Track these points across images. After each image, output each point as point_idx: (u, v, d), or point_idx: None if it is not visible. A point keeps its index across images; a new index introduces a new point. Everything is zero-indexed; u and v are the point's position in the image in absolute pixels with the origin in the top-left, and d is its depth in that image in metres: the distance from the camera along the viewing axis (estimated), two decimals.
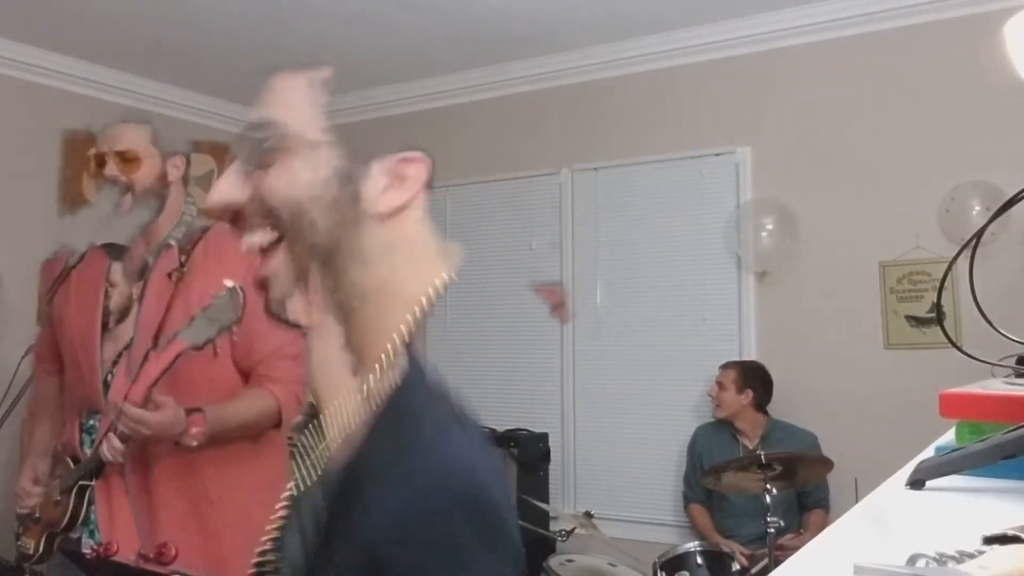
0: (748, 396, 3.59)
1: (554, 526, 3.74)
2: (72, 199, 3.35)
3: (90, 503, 2.28)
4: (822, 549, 0.66)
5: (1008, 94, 3.36)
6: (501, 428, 4.25)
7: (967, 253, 1.15)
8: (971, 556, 0.52)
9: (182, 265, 2.02)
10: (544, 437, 4.23)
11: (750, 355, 3.84)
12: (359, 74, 4.65)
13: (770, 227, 3.78)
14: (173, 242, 2.06)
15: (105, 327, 2.04)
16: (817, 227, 3.76)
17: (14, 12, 3.78)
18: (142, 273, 2.04)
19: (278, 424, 2.02)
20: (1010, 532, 0.55)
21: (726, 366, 3.68)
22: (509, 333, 4.48)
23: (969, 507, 0.78)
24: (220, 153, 3.28)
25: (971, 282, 1.16)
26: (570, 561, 3.51)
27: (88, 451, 2.19)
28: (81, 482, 2.29)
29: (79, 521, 2.26)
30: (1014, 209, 1.10)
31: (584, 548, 3.64)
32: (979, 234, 1.13)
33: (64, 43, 4.17)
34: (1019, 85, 3.18)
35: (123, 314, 2.04)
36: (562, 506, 4.09)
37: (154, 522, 1.96)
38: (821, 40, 3.80)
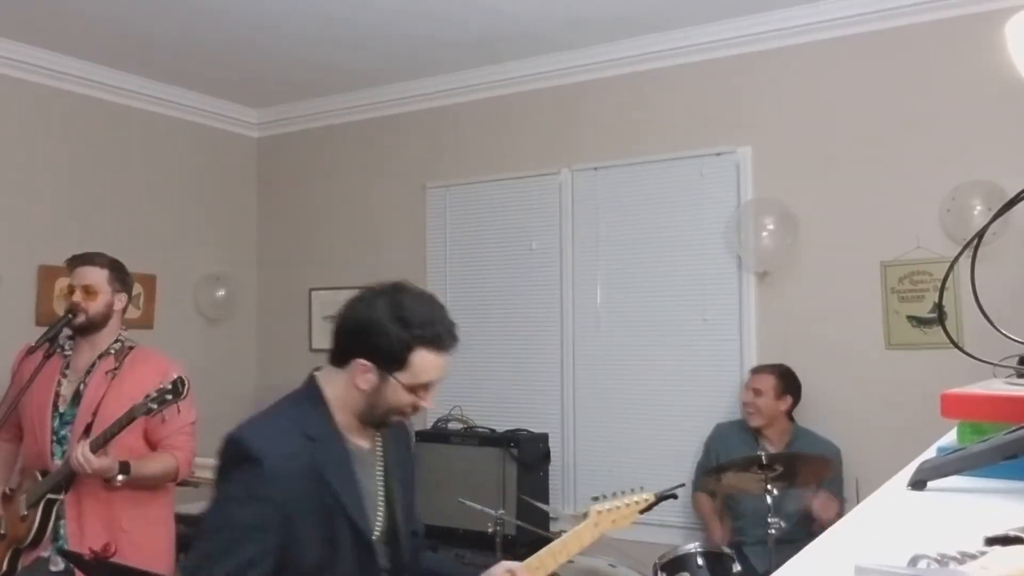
0: (787, 402, 3.54)
1: (554, 527, 3.74)
2: (46, 314, 4.10)
3: (59, 518, 2.73)
4: (824, 549, 0.65)
5: (1009, 93, 3.35)
6: (501, 428, 4.25)
7: (968, 253, 1.15)
8: (973, 557, 0.51)
9: (116, 368, 2.80)
10: (544, 437, 4.23)
11: (750, 355, 3.84)
12: (359, 74, 4.65)
13: (771, 227, 3.78)
14: (112, 352, 2.84)
15: (56, 407, 2.77)
16: (818, 227, 3.76)
17: (14, 12, 3.78)
18: (88, 371, 2.81)
19: (174, 479, 2.85)
20: (1012, 533, 0.55)
21: (760, 371, 3.61)
22: (509, 333, 4.48)
23: (971, 508, 0.78)
24: (148, 281, 4.66)
25: (972, 282, 1.16)
26: (570, 562, 3.50)
27: (59, 462, 2.69)
28: (49, 495, 2.70)
29: (45, 536, 2.69)
30: (1015, 209, 1.10)
31: (584, 549, 3.63)
32: (980, 234, 1.13)
33: (65, 43, 4.17)
34: (1020, 84, 3.17)
35: (73, 398, 2.77)
36: (562, 506, 4.09)
37: (82, 543, 2.66)
38: (821, 40, 3.80)
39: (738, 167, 3.95)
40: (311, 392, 1.74)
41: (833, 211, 3.74)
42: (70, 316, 2.83)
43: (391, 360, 1.67)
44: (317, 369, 1.79)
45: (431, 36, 4.10)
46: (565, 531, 3.41)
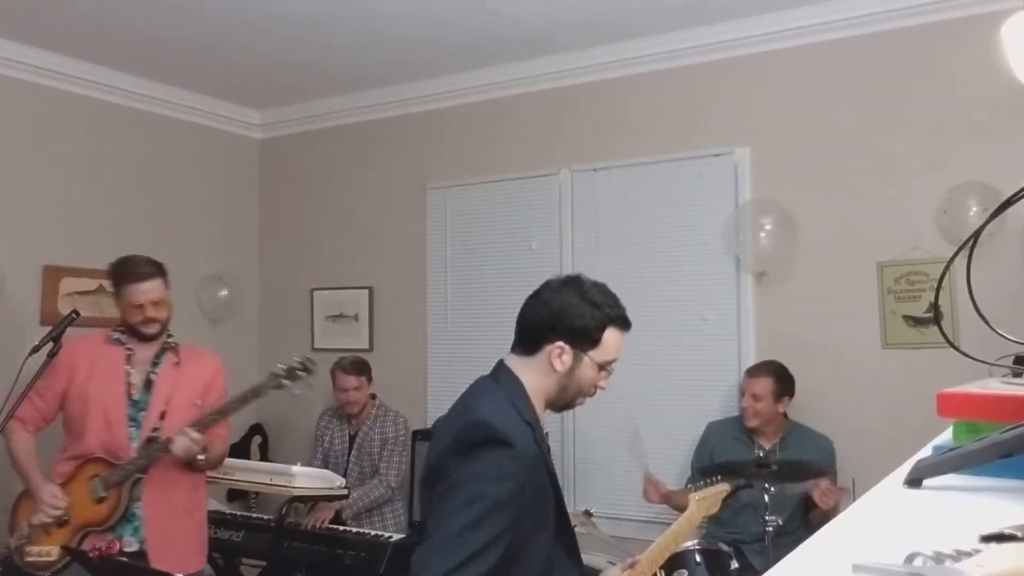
0: (784, 403, 3.52)
1: None
2: (50, 314, 4.14)
3: (134, 499, 2.86)
4: (820, 548, 0.66)
5: (1005, 95, 3.36)
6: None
7: (965, 253, 1.16)
8: (968, 555, 0.52)
9: (178, 362, 3.04)
10: (543, 436, 4.23)
11: (748, 355, 3.84)
12: (360, 76, 4.65)
13: (769, 227, 3.79)
14: (172, 346, 3.07)
15: (128, 395, 2.92)
16: (815, 227, 3.77)
17: (15, 13, 3.78)
18: (154, 362, 3.00)
19: (221, 463, 3.16)
20: (1007, 531, 0.56)
21: (756, 374, 3.56)
22: (509, 333, 4.46)
23: (966, 506, 0.78)
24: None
25: (968, 282, 1.17)
26: None
27: (135, 445, 2.87)
28: (137, 475, 2.83)
29: (124, 515, 2.81)
30: (1011, 210, 1.11)
31: (583, 547, 3.61)
32: (976, 234, 1.14)
33: (65, 44, 4.17)
34: (1016, 86, 3.19)
35: (143, 386, 2.96)
36: None
37: (154, 523, 2.89)
38: (820, 42, 3.81)
39: (736, 168, 3.96)
40: (511, 380, 1.86)
41: (830, 212, 3.76)
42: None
43: (586, 338, 1.84)
44: (503, 360, 1.92)
45: (431, 39, 4.11)
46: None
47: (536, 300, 1.91)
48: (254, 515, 4.12)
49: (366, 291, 4.99)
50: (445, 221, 4.72)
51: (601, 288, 1.93)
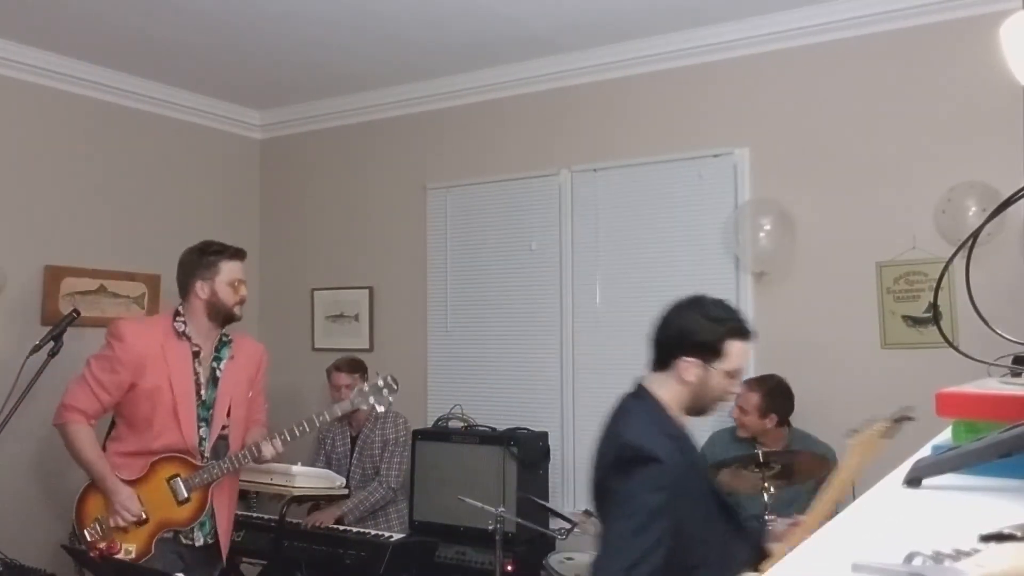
0: (772, 420, 3.50)
1: (554, 524, 3.76)
2: (51, 314, 4.10)
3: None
4: (820, 547, 0.66)
5: (1004, 96, 3.37)
6: (501, 427, 4.26)
7: (963, 253, 1.16)
8: (967, 554, 0.52)
9: (233, 355, 3.00)
10: (544, 436, 4.24)
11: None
12: (360, 77, 4.66)
13: (768, 228, 3.79)
14: (233, 338, 3.03)
15: (198, 393, 2.88)
16: (815, 228, 3.77)
17: (19, 16, 3.78)
18: (216, 356, 2.96)
19: None
20: (1006, 530, 0.56)
21: (748, 386, 3.51)
22: (509, 333, 4.49)
23: (966, 505, 0.78)
24: (153, 280, 4.67)
25: (967, 282, 1.18)
26: (569, 559, 3.53)
27: (208, 445, 2.90)
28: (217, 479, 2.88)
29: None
30: (1010, 210, 1.12)
31: (583, 546, 3.65)
32: (975, 234, 1.15)
33: (65, 44, 4.17)
34: (1015, 86, 3.19)
35: (209, 383, 2.93)
36: (562, 504, 4.10)
37: (221, 521, 2.96)
38: (819, 42, 3.81)
39: (736, 168, 3.96)
40: (648, 397, 2.07)
41: (829, 212, 3.76)
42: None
43: (711, 352, 2.02)
44: (641, 378, 2.13)
45: (431, 39, 4.11)
46: (565, 528, 3.45)
47: (663, 323, 2.12)
48: (254, 515, 4.13)
49: (366, 291, 4.99)
50: (445, 221, 4.72)
51: (720, 304, 2.11)
